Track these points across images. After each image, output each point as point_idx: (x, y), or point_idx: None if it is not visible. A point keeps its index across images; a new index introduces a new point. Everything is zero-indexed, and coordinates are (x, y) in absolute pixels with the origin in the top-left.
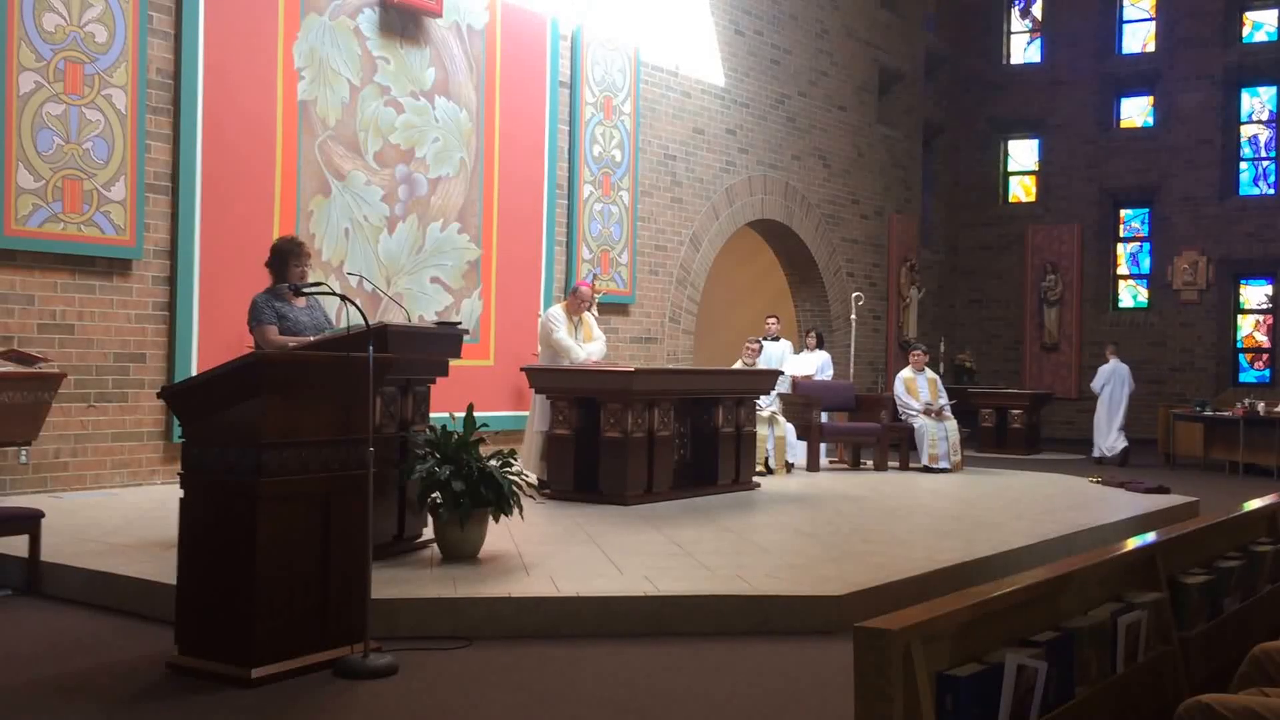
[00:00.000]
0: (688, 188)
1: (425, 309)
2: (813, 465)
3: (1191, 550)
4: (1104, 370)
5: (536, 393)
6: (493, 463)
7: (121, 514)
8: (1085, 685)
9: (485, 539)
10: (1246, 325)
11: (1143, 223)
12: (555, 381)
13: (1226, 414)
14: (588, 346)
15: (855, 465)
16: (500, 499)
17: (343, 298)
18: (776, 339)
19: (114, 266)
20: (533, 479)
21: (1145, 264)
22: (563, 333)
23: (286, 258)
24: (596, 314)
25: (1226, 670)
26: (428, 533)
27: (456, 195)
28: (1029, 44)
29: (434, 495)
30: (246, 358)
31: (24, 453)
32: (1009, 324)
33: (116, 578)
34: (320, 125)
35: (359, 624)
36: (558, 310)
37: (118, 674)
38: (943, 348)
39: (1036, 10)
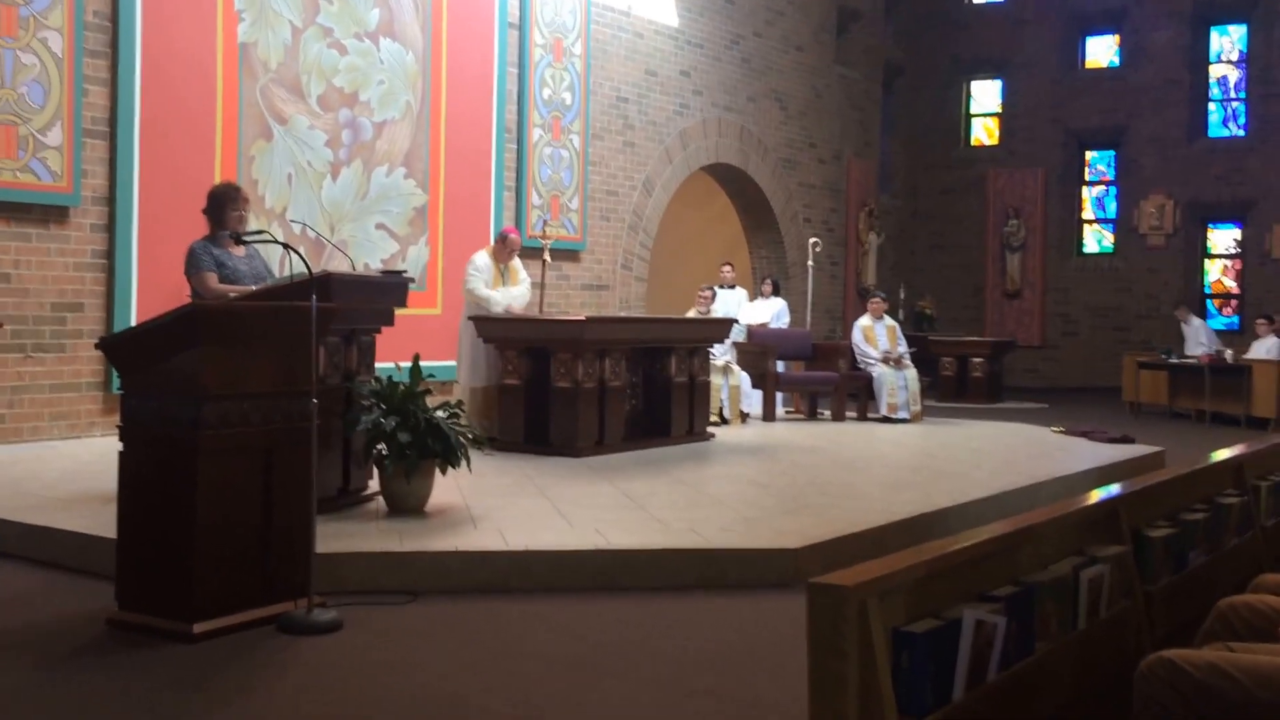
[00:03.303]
0: (640, 131)
1: (370, 257)
2: (768, 415)
3: (1156, 502)
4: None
5: (486, 342)
6: (440, 414)
7: (60, 467)
8: (1046, 641)
9: (432, 492)
10: (1215, 270)
11: (1108, 165)
12: (504, 330)
13: (1192, 361)
14: (510, 292)
15: (812, 415)
16: (447, 451)
17: (285, 245)
18: (731, 286)
19: (50, 214)
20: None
21: (1111, 208)
22: (479, 283)
23: (224, 204)
24: (551, 260)
25: (1191, 625)
26: (374, 485)
27: (402, 139)
28: None
29: (379, 447)
30: (185, 307)
31: None
32: (970, 270)
33: (54, 532)
34: (262, 68)
35: (302, 579)
36: (483, 258)
37: (56, 630)
38: (902, 295)
39: None
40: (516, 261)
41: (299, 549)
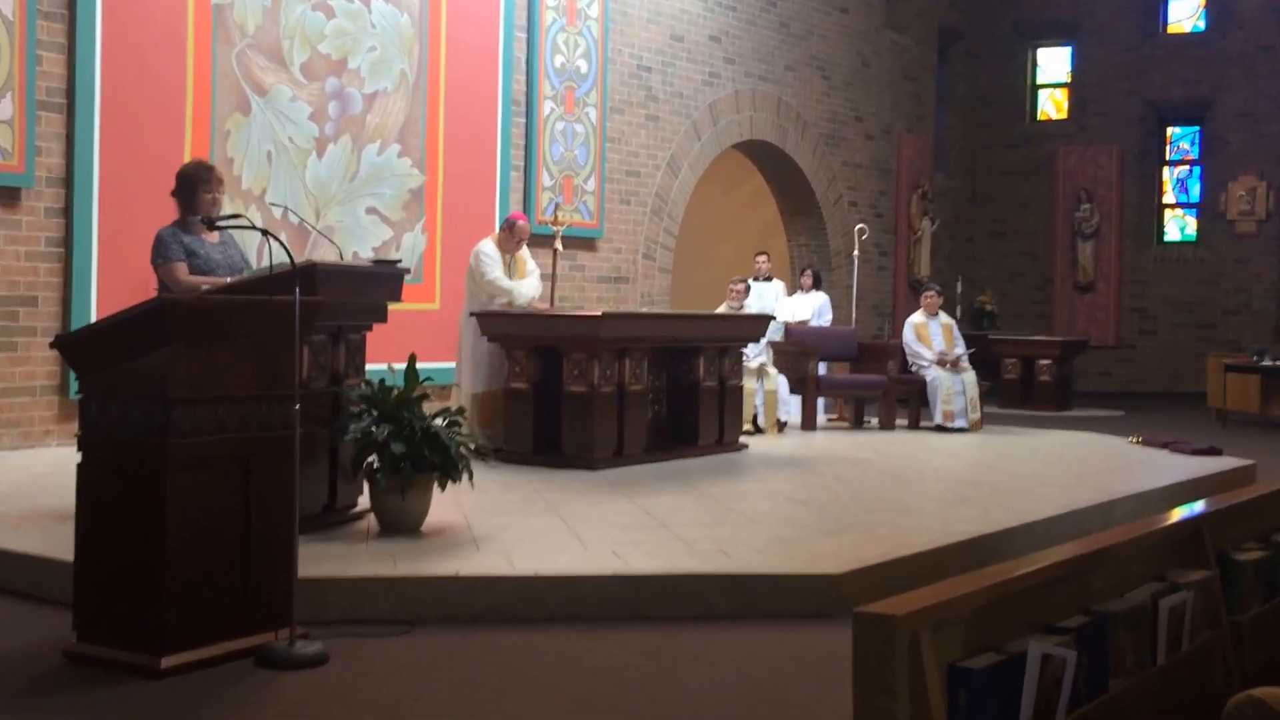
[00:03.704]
0: (665, 104)
1: (360, 244)
2: (808, 424)
3: (1245, 522)
4: None
5: (490, 339)
6: (438, 422)
7: (11, 480)
8: (1121, 677)
9: (429, 509)
10: None
11: (1192, 143)
12: (511, 328)
13: None
14: (525, 284)
15: (858, 424)
16: (447, 463)
17: (264, 232)
18: (767, 279)
19: (0, 196)
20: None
21: (1195, 191)
22: (498, 272)
23: (195, 185)
24: (564, 248)
25: None
26: (363, 502)
27: (396, 113)
28: None
29: (370, 459)
30: (152, 302)
31: None
32: (1036, 260)
33: (4, 554)
34: (238, 33)
35: (284, 606)
36: (489, 246)
37: (6, 665)
38: (959, 288)
39: None
40: (525, 251)
41: (280, 573)
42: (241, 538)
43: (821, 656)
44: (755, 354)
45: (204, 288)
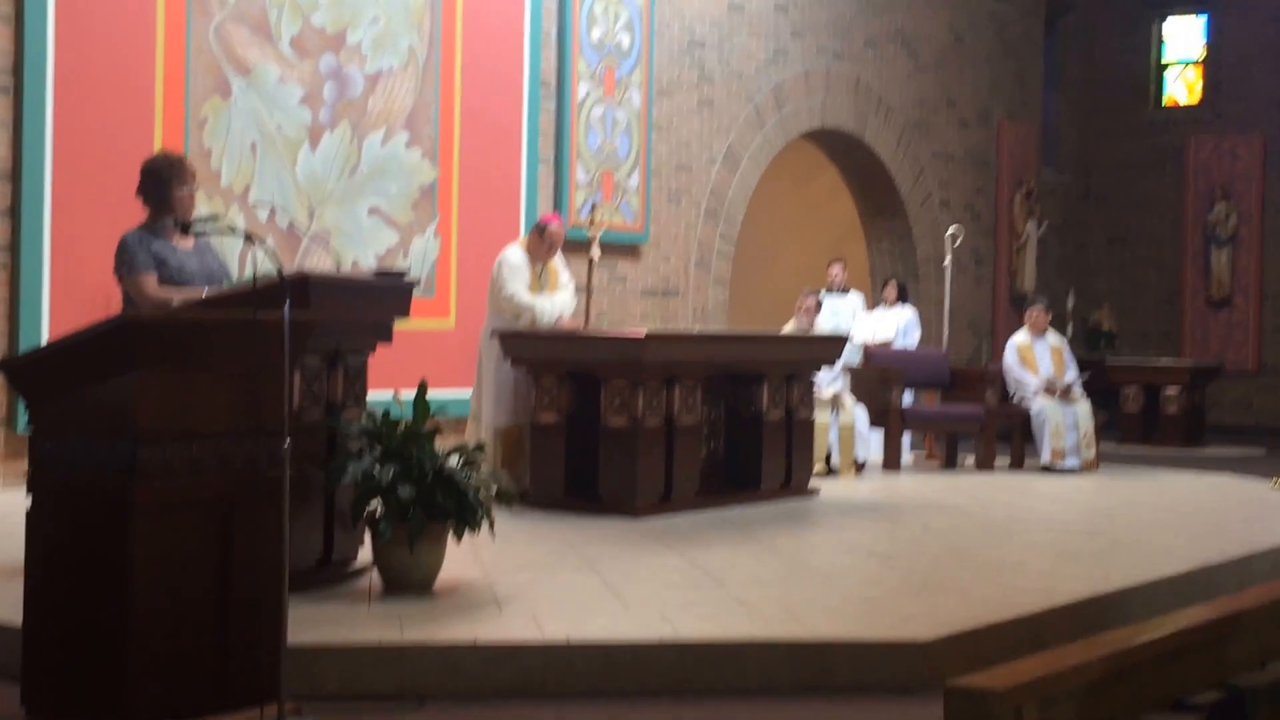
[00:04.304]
0: (721, 86)
1: (361, 252)
2: (891, 464)
3: None
4: None
5: (514, 363)
6: (453, 461)
7: None
8: None
9: (442, 564)
10: None
11: None
12: (540, 350)
13: None
14: (554, 299)
15: (950, 463)
16: (463, 509)
17: (247, 236)
18: (843, 292)
19: None
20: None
21: None
22: (518, 286)
23: (166, 182)
24: (598, 257)
25: None
26: (365, 556)
27: (404, 96)
28: None
29: (373, 505)
30: (115, 319)
31: None
32: (1162, 271)
33: None
34: (217, 2)
35: (270, 678)
36: (516, 254)
37: None
38: (1071, 303)
39: None
40: (558, 260)
41: (266, 638)
42: (221, 598)
43: None
44: (829, 381)
45: (176, 302)
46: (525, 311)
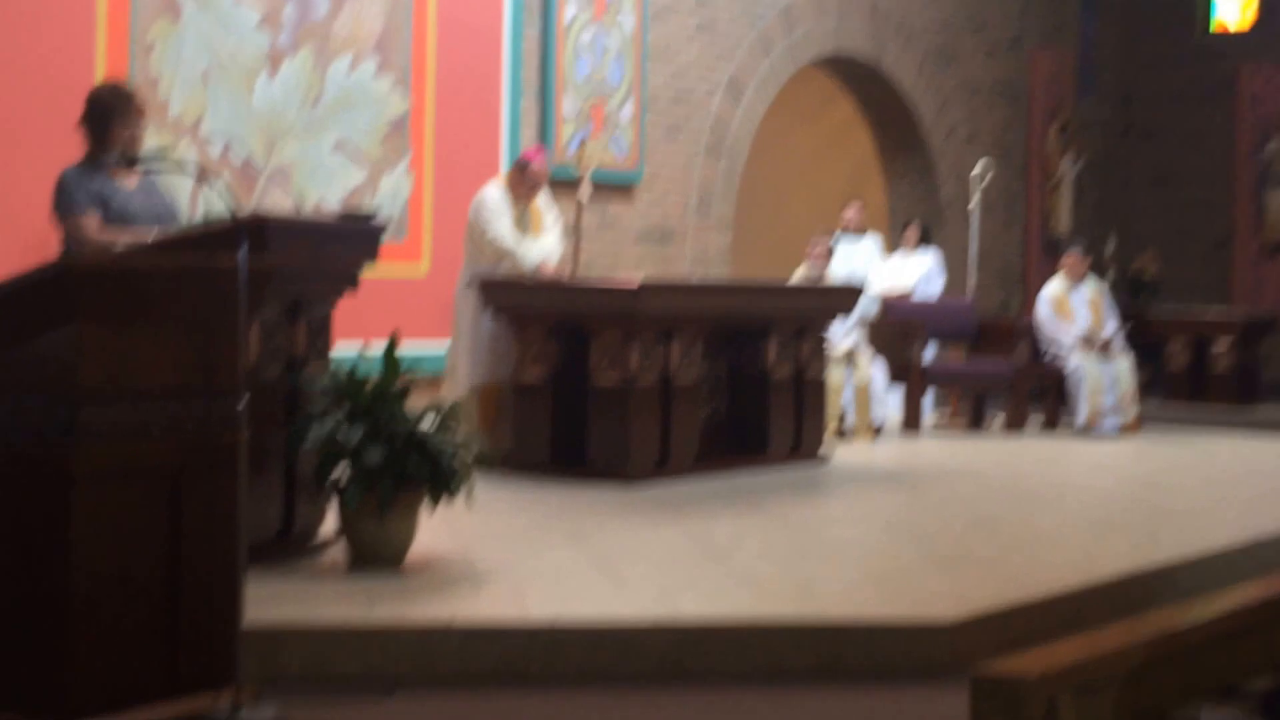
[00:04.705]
0: (724, 7)
1: (325, 191)
2: (912, 426)
3: None
4: None
5: (494, 314)
6: (427, 422)
7: None
8: None
9: (415, 536)
10: None
11: None
12: (523, 299)
13: None
14: (538, 243)
15: (976, 425)
16: (438, 476)
17: (199, 174)
18: (859, 235)
19: None
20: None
21: None
22: (501, 228)
23: (109, 115)
24: (588, 197)
25: None
26: (330, 527)
27: (372, 18)
28: None
29: (338, 471)
30: (52, 265)
31: None
32: (1211, 213)
33: None
34: None
35: (226, 662)
36: (496, 193)
37: None
38: (1110, 248)
39: None
40: (543, 199)
41: (221, 618)
42: (170, 574)
43: None
44: (843, 335)
45: (120, 246)
46: (506, 255)
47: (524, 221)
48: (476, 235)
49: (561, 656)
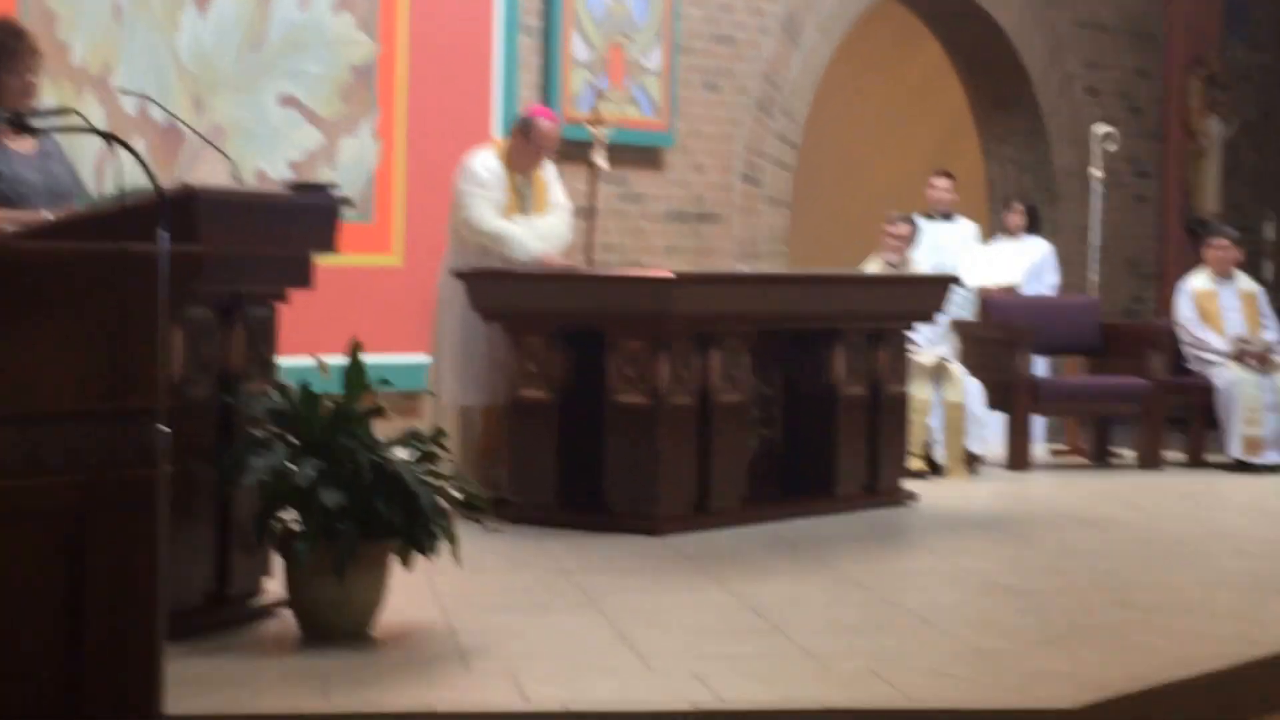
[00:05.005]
0: None
1: (270, 158)
2: (1018, 459)
3: None
4: None
5: (486, 320)
6: (400, 454)
7: None
8: None
9: (385, 599)
10: None
11: None
12: (521, 297)
13: None
14: (542, 227)
15: (1100, 458)
16: (414, 524)
17: (107, 136)
18: (949, 216)
19: None
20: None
21: None
22: (484, 209)
23: None
24: (605, 166)
25: None
26: (275, 588)
27: None
28: None
29: (286, 516)
30: None
31: None
32: None
33: None
34: None
35: None
36: (488, 161)
37: None
38: (1270, 233)
39: None
40: (548, 171)
41: (135, 706)
42: (69, 645)
43: None
44: (930, 342)
45: (9, 228)
46: (496, 241)
47: (525, 198)
48: (459, 208)
49: None
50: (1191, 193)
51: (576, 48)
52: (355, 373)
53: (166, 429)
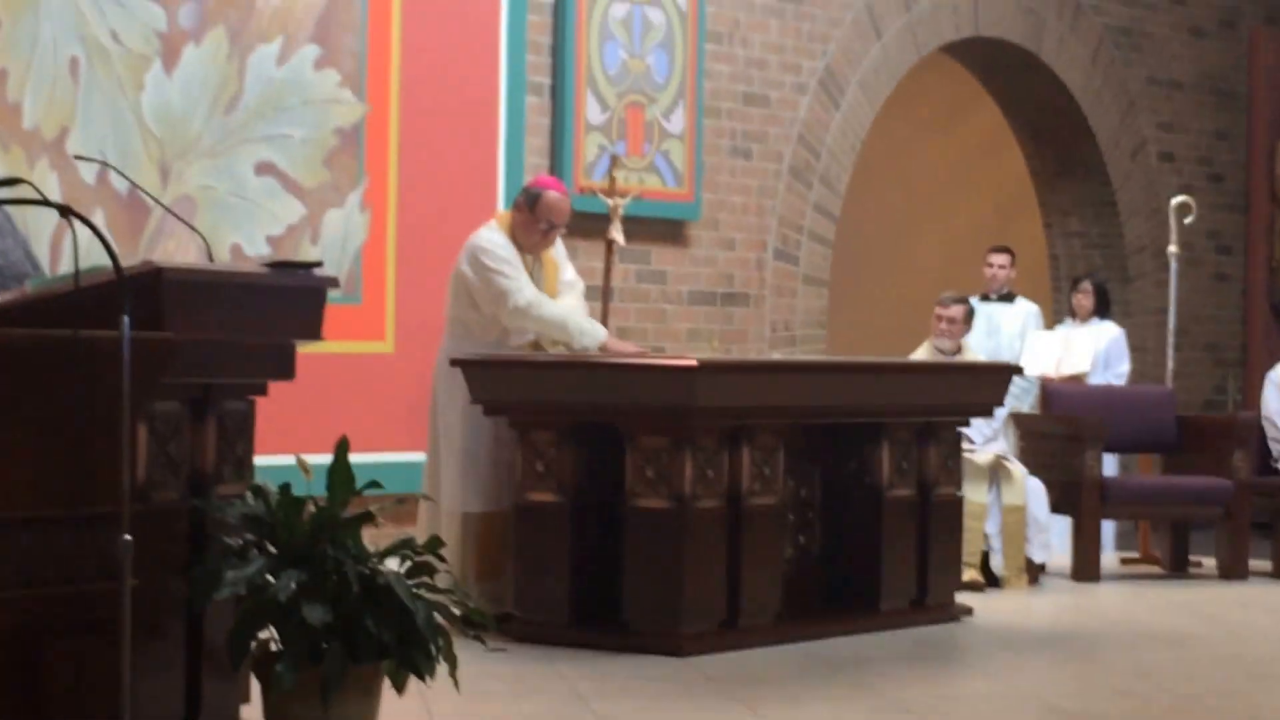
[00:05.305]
0: None
1: (246, 232)
2: (1086, 570)
3: None
4: None
5: (488, 414)
6: (393, 565)
7: None
8: None
9: None
10: None
11: None
12: (527, 389)
13: None
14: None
15: (1179, 568)
16: (409, 644)
17: (64, 210)
18: (1007, 297)
19: None
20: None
21: None
22: (530, 289)
23: None
24: (622, 241)
25: None
26: (254, 715)
27: None
28: None
29: (265, 635)
30: None
31: None
32: None
33: None
34: None
35: None
36: (496, 237)
37: None
38: None
39: None
40: (558, 250)
41: None
42: None
43: None
44: (987, 439)
45: None
46: (556, 329)
47: (534, 279)
48: (479, 293)
49: None
50: (1279, 270)
51: (590, 109)
52: (341, 474)
53: (131, 538)
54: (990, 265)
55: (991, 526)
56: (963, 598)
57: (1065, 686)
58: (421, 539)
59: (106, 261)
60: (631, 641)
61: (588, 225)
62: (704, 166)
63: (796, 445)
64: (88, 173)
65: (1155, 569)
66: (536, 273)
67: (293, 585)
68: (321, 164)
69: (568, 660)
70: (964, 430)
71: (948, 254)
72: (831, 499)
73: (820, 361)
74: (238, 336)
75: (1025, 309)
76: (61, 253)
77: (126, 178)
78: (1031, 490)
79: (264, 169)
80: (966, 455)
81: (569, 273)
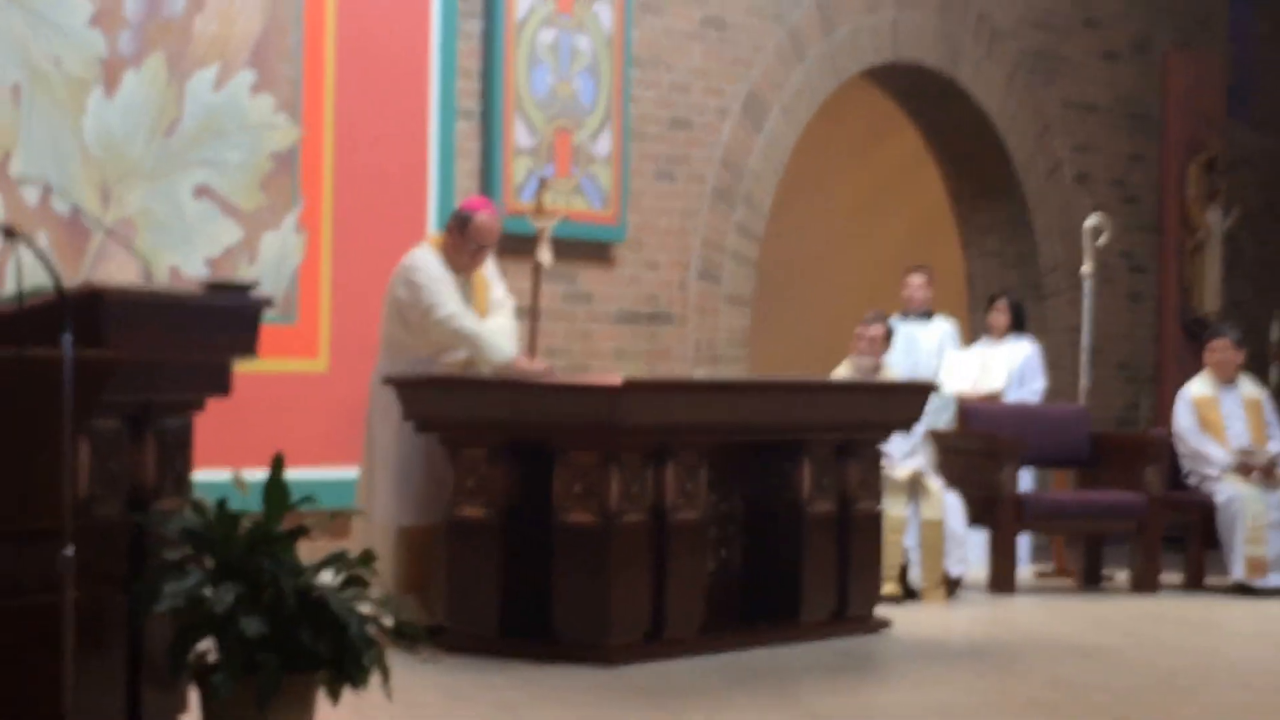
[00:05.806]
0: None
1: (184, 253)
2: (1002, 582)
3: None
4: None
5: (420, 431)
6: (327, 578)
7: None
8: None
9: None
10: None
11: None
12: (459, 407)
13: None
14: (487, 326)
15: (1092, 582)
16: (343, 654)
17: (9, 231)
18: (926, 316)
19: None
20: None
21: None
22: (454, 303)
23: None
24: (549, 262)
25: None
26: None
27: (248, 15)
28: None
29: (202, 646)
30: None
31: None
32: None
33: None
34: None
35: None
36: (428, 256)
37: None
38: (1276, 334)
39: None
40: (490, 270)
41: None
42: None
43: None
44: (905, 455)
45: None
46: (468, 343)
47: (465, 296)
48: (409, 314)
49: None
50: (1190, 289)
51: (519, 133)
52: (277, 489)
53: (71, 551)
54: (908, 285)
55: (910, 540)
56: (882, 610)
57: (982, 697)
58: (355, 553)
59: (48, 282)
60: (560, 652)
61: (516, 246)
62: (629, 189)
63: (720, 461)
64: (31, 195)
65: (1069, 582)
66: (467, 292)
67: (230, 598)
68: (258, 187)
69: (498, 670)
70: (883, 447)
71: (868, 274)
72: (754, 514)
73: (743, 381)
74: (176, 355)
75: (942, 327)
76: (3, 273)
77: (69, 200)
78: (949, 505)
79: (202, 192)
80: (886, 471)
81: (498, 291)
